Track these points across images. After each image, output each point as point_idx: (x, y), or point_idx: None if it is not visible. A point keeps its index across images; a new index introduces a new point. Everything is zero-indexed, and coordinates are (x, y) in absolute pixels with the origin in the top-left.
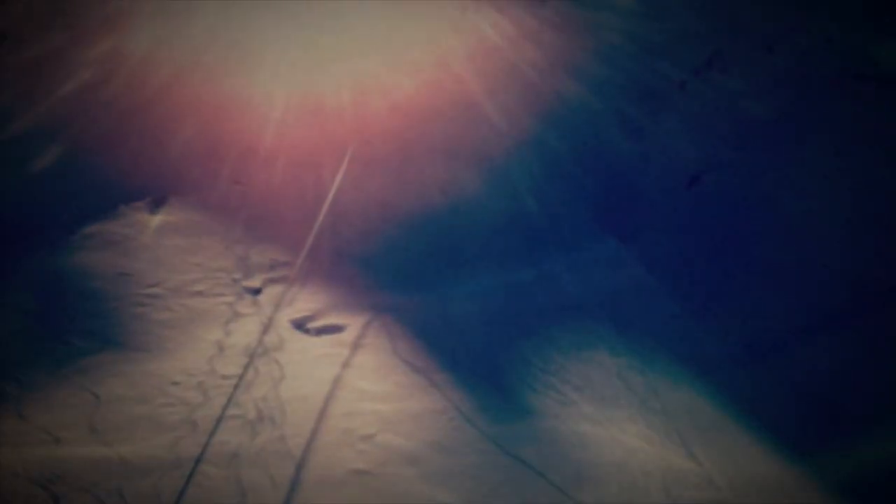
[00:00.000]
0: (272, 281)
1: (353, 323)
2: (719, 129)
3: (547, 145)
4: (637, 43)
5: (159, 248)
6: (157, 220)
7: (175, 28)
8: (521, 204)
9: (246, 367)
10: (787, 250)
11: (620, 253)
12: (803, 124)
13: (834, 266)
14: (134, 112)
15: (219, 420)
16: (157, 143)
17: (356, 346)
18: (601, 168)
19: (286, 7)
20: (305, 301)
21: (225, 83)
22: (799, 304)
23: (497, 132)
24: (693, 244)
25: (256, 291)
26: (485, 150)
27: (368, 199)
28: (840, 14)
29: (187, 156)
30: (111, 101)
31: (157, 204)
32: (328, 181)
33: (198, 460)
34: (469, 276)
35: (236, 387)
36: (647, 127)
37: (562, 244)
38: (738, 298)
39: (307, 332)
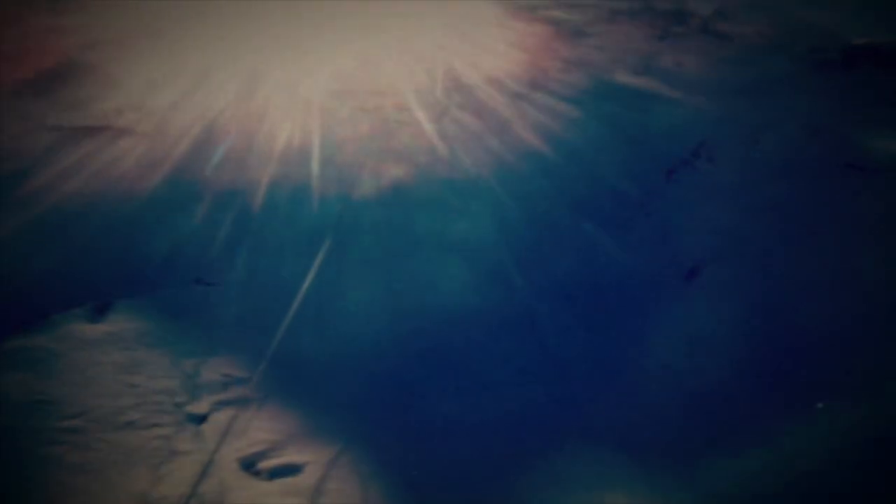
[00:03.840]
0: (223, 404)
1: (317, 460)
2: (713, 219)
3: (526, 239)
4: (621, 132)
5: (92, 367)
6: (95, 330)
7: (128, 95)
8: (512, 305)
9: None
10: (787, 350)
11: (626, 366)
12: (794, 215)
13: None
14: (78, 197)
15: None
16: (106, 236)
17: (317, 493)
18: (587, 264)
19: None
20: (261, 430)
21: (191, 161)
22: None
23: (472, 227)
24: (703, 347)
25: (201, 419)
26: (469, 245)
27: (347, 299)
28: (826, 103)
29: (142, 250)
30: (47, 183)
31: (99, 311)
32: (304, 276)
33: None
34: (459, 393)
35: None
36: (636, 218)
37: (556, 353)
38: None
39: (257, 474)
